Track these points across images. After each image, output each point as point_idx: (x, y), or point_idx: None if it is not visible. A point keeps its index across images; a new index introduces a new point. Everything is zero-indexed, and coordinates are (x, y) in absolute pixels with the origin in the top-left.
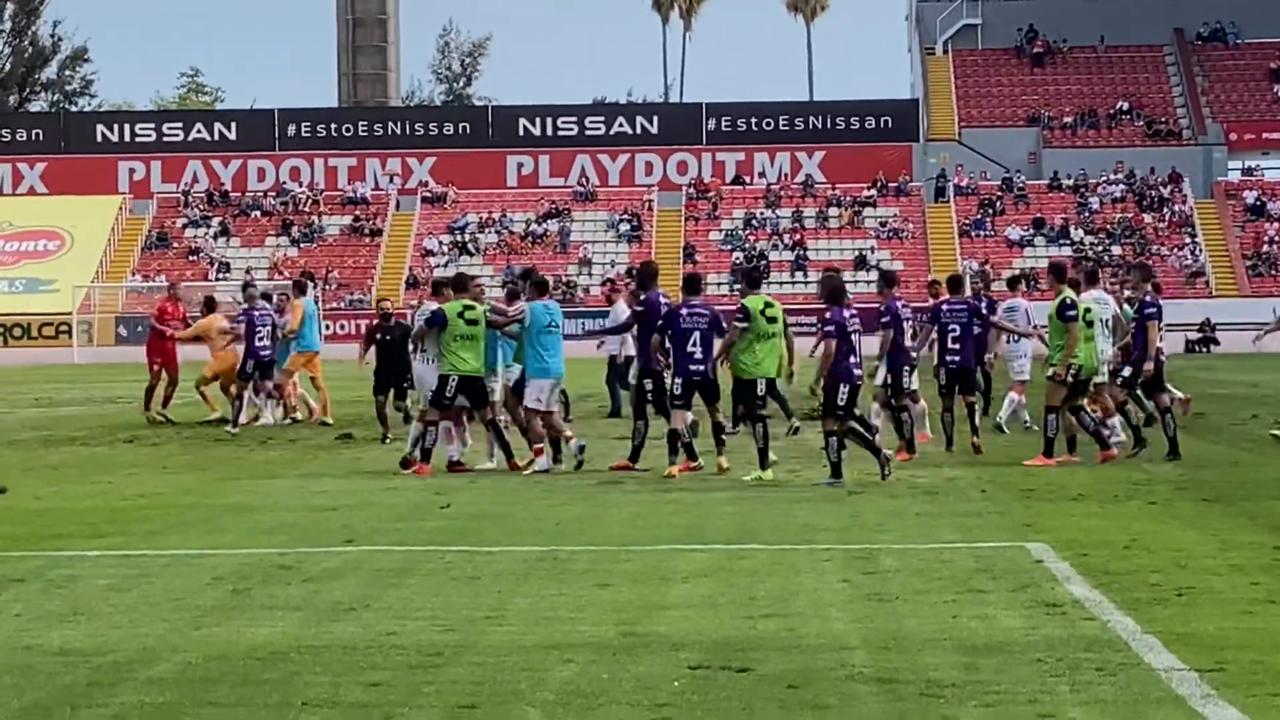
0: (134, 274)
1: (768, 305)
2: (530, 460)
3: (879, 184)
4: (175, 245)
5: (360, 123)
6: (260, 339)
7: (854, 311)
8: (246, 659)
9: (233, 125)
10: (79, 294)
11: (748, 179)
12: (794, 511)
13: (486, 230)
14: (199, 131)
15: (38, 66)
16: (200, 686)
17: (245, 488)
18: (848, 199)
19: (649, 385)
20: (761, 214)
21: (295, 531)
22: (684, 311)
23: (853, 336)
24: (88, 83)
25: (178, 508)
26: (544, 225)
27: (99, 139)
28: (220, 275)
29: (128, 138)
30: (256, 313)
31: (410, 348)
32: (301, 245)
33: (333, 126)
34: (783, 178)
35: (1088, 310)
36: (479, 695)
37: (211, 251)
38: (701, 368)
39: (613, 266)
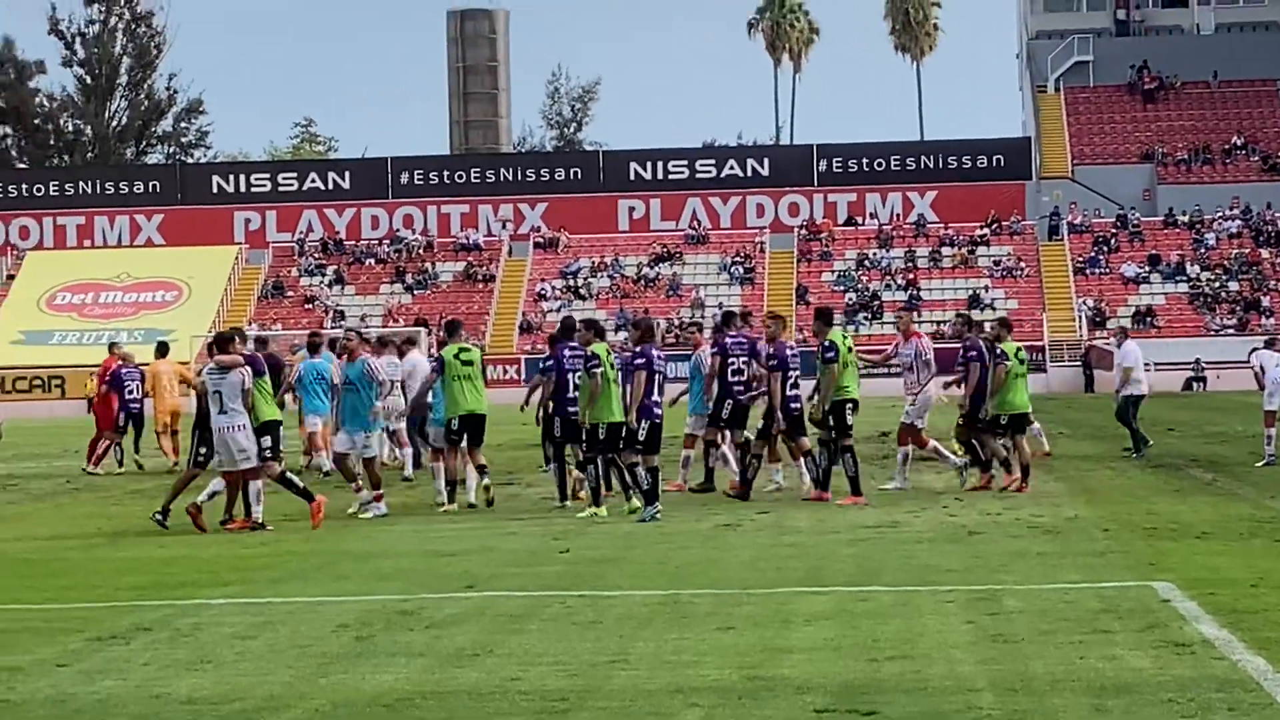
0: (250, 323)
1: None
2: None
3: (992, 222)
4: (291, 294)
5: (472, 169)
6: (130, 392)
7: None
8: (372, 705)
9: (346, 174)
10: (196, 344)
11: (860, 219)
12: (915, 553)
13: (599, 274)
14: (313, 181)
15: (154, 119)
16: None
17: (364, 534)
18: (961, 238)
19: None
20: (874, 254)
21: (415, 577)
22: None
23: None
24: (203, 134)
25: (298, 555)
26: (656, 269)
27: (215, 190)
28: (336, 323)
29: (243, 188)
30: (125, 369)
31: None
32: (415, 292)
33: (445, 173)
34: (895, 218)
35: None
36: None
37: (327, 300)
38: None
39: (722, 308)
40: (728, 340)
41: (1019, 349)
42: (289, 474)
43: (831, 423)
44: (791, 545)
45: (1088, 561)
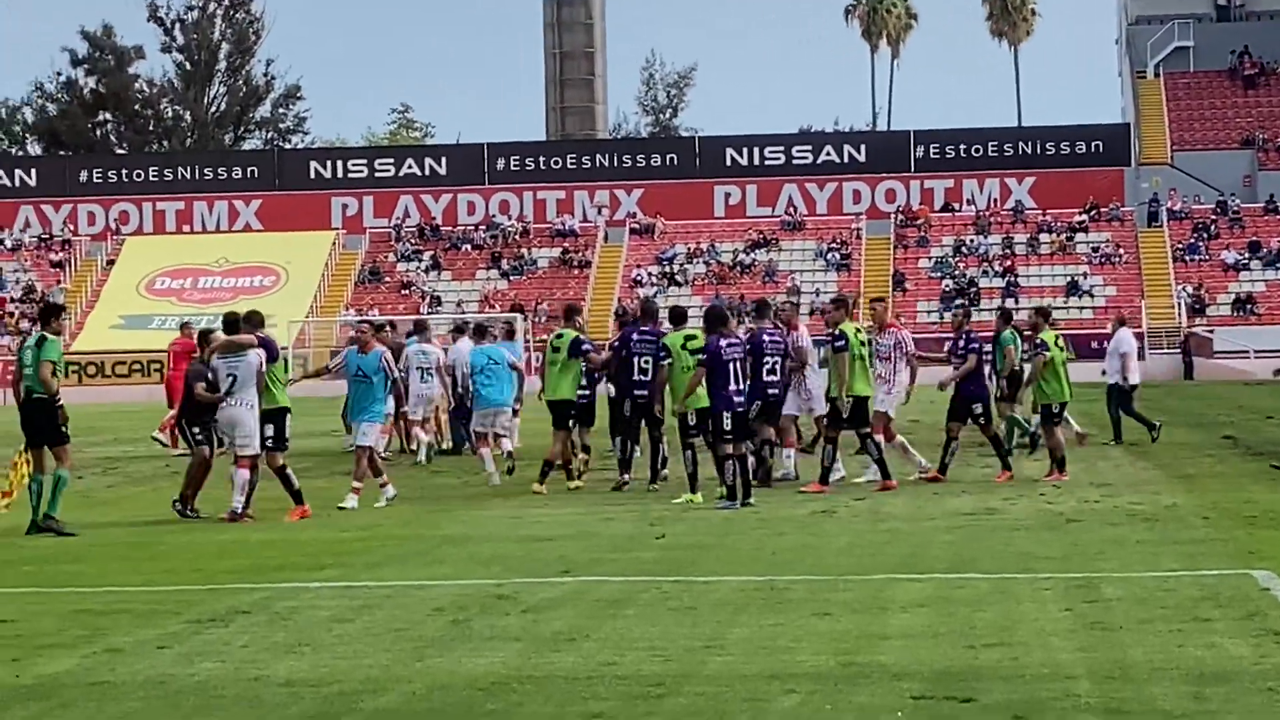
0: (347, 308)
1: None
2: None
3: (1090, 209)
4: (388, 279)
5: (568, 155)
6: None
7: (733, 339)
8: (469, 689)
9: (443, 160)
10: (294, 329)
11: (957, 206)
12: (1012, 540)
13: (695, 260)
14: (410, 167)
15: (252, 105)
16: (425, 717)
17: (460, 519)
18: (1059, 225)
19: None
20: (971, 240)
21: (511, 562)
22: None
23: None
24: (300, 120)
25: (395, 539)
26: (752, 255)
27: (312, 175)
28: (432, 309)
29: (340, 174)
30: None
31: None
32: (511, 278)
33: (541, 160)
34: (992, 204)
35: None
36: None
37: (423, 285)
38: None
39: (818, 296)
40: (764, 336)
41: (1058, 337)
42: (288, 470)
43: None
44: (888, 532)
45: (1187, 549)
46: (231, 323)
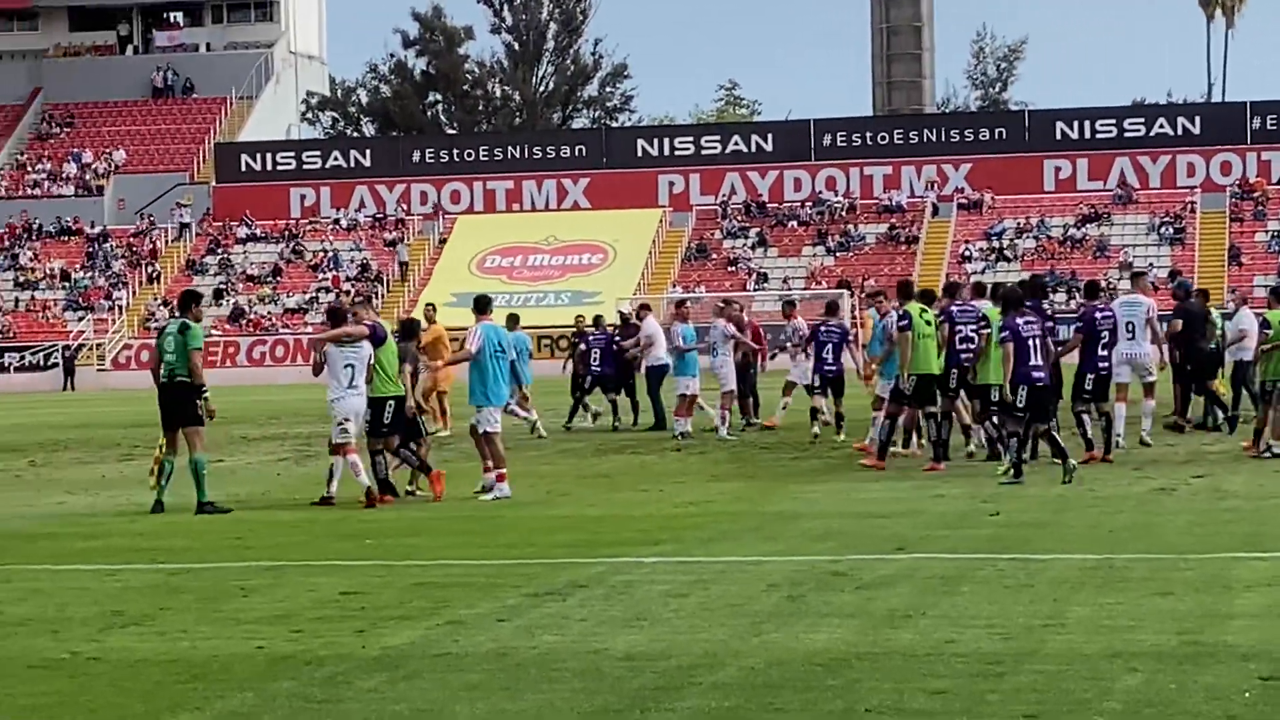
0: (674, 285)
1: (923, 311)
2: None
3: None
4: (714, 257)
5: (895, 131)
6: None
7: (1030, 316)
8: (807, 665)
9: (769, 137)
10: (622, 305)
11: None
12: None
13: (1024, 236)
14: (736, 144)
15: (580, 84)
16: (764, 692)
17: (793, 494)
18: None
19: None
20: None
21: (845, 538)
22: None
23: (1029, 341)
24: (628, 99)
25: (729, 515)
26: (1082, 229)
27: (639, 153)
28: (759, 286)
29: (667, 152)
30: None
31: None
32: (837, 255)
33: (868, 135)
34: None
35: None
36: (1044, 704)
37: (749, 262)
38: (1043, 375)
39: (1152, 269)
40: (954, 309)
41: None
42: (381, 459)
43: (909, 391)
44: (1230, 510)
45: None
46: (337, 313)
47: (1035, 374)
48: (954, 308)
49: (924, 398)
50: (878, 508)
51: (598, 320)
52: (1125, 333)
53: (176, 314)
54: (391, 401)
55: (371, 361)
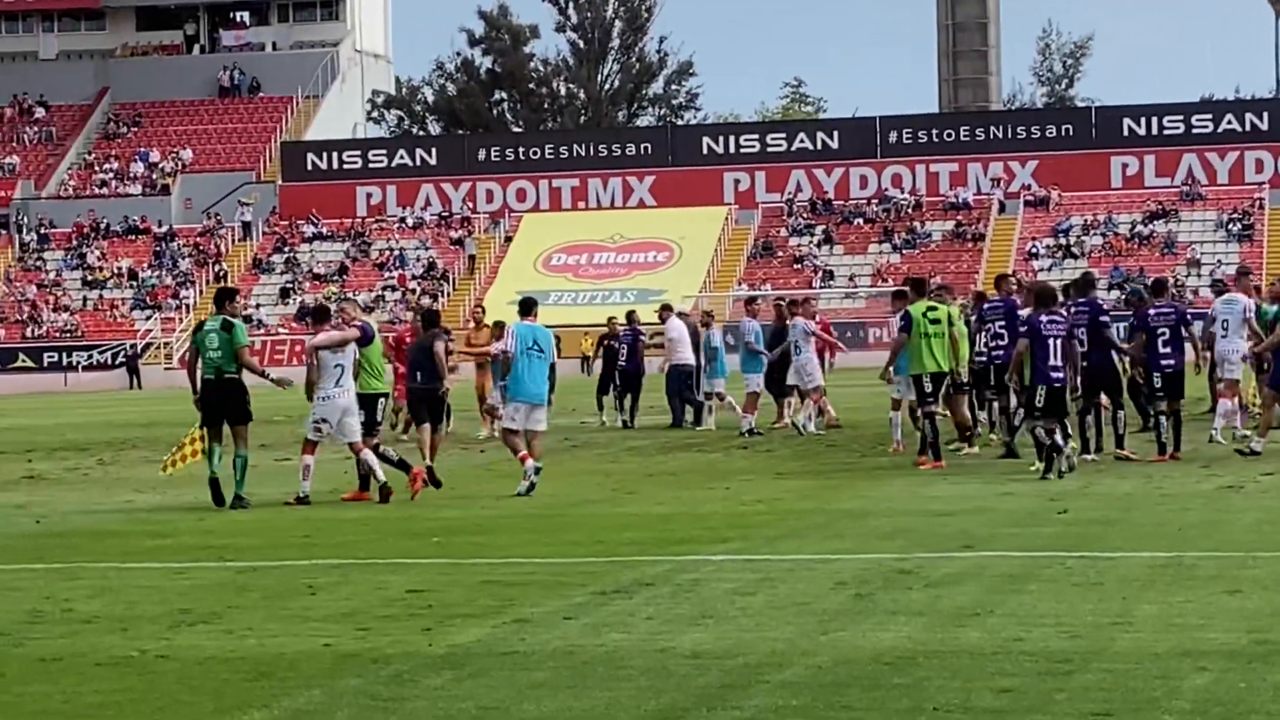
0: (740, 283)
1: (930, 309)
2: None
3: None
4: (780, 254)
5: (961, 127)
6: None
7: (1055, 316)
8: (874, 663)
9: (835, 134)
10: (688, 304)
11: None
12: None
13: (1091, 233)
14: (802, 141)
15: (645, 82)
16: (831, 690)
17: (860, 492)
18: None
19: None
20: None
21: (912, 536)
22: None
23: (1049, 341)
24: (693, 96)
25: (796, 513)
26: (1150, 226)
27: (705, 151)
28: (824, 283)
29: (732, 149)
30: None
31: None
32: (904, 252)
33: (934, 132)
34: None
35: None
36: (1112, 703)
37: (815, 260)
38: (1061, 375)
39: (1220, 266)
40: (984, 306)
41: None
42: (367, 455)
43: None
44: None
45: None
46: (322, 312)
47: (1054, 374)
48: (985, 305)
49: (930, 395)
50: (945, 505)
51: (630, 315)
52: (1220, 330)
53: (214, 311)
54: (381, 399)
55: (357, 358)
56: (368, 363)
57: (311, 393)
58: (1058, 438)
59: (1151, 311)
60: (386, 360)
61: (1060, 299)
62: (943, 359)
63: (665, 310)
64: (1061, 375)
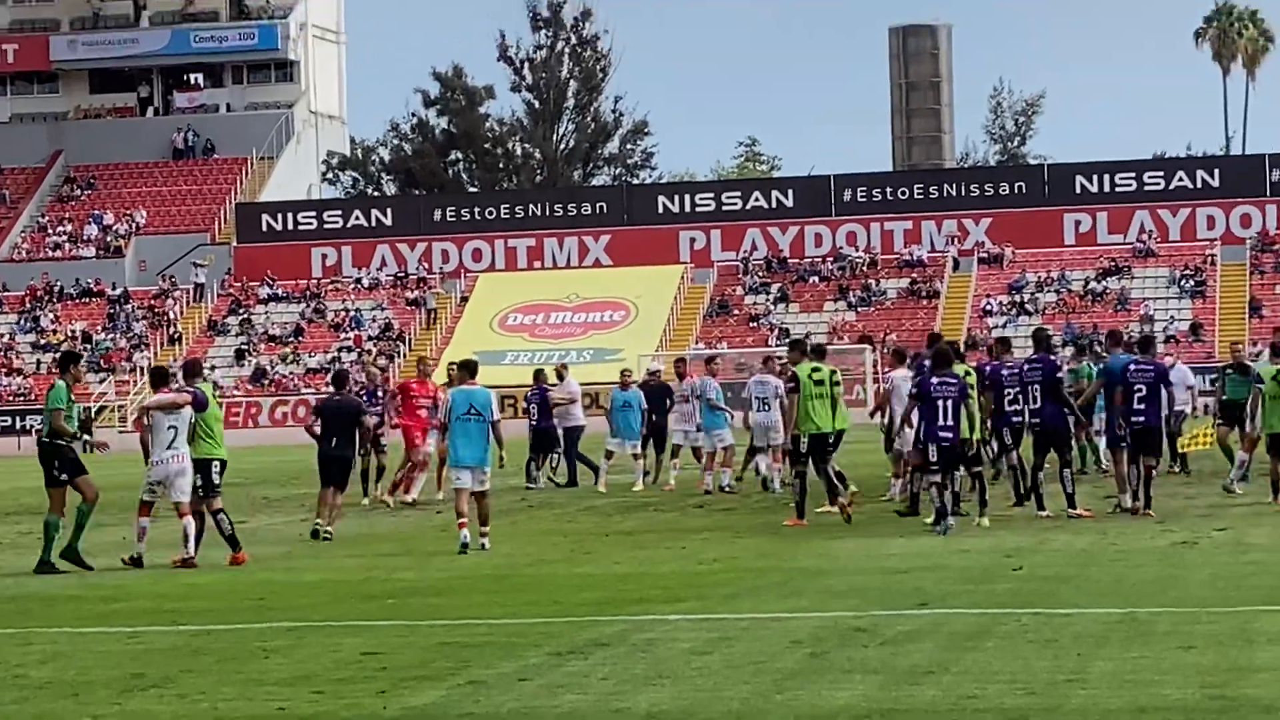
0: (697, 342)
1: (814, 370)
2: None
3: None
4: (736, 313)
5: (915, 185)
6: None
7: (948, 378)
8: None
9: (789, 192)
10: (644, 363)
11: None
12: None
13: (1045, 289)
14: (757, 200)
15: (601, 142)
16: None
17: (816, 550)
18: None
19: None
20: None
21: (868, 594)
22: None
23: (938, 402)
24: (648, 155)
25: (752, 571)
26: (1103, 283)
27: (660, 210)
28: (780, 341)
29: (688, 208)
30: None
31: None
32: (859, 309)
33: (888, 190)
34: None
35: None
36: None
37: (771, 318)
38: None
39: (1173, 322)
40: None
41: (1276, 372)
42: (222, 516)
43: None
44: (1252, 563)
45: None
46: (161, 375)
47: (942, 434)
48: (1003, 369)
49: (817, 455)
50: (901, 563)
51: (537, 375)
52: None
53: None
54: (216, 463)
55: (193, 422)
56: (205, 427)
57: (147, 454)
58: (947, 499)
59: (1132, 367)
60: (398, 413)
61: (998, 354)
62: (825, 420)
63: (563, 369)
64: (951, 436)
